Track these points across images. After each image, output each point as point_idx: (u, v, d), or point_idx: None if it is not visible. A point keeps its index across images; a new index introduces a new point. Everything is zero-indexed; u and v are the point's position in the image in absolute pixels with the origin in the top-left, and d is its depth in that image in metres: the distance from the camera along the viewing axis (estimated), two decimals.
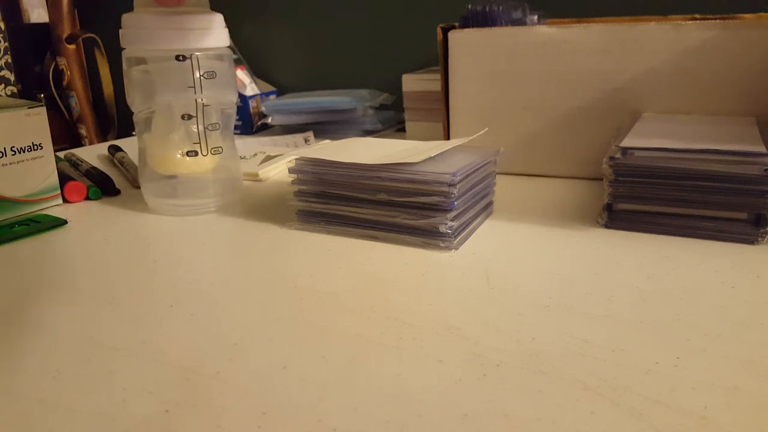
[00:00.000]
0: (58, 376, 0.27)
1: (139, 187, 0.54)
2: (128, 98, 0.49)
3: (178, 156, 0.49)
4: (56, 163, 0.54)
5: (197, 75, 0.47)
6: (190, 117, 0.48)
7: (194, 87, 0.47)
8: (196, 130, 0.48)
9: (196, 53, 0.47)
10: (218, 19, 0.48)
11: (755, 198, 0.39)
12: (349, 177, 0.42)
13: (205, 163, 0.50)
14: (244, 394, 0.26)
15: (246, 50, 1.02)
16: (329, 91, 0.88)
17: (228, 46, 0.49)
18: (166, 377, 0.27)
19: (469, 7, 0.59)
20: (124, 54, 0.48)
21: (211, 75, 0.48)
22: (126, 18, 0.47)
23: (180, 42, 0.46)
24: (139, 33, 0.46)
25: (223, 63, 0.49)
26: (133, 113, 0.50)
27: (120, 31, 0.47)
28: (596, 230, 0.43)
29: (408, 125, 0.75)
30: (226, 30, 0.48)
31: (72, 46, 1.14)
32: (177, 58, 0.46)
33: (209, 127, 0.49)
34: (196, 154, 0.49)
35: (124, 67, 0.48)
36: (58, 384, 0.27)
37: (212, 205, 0.51)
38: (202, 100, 0.48)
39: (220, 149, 0.50)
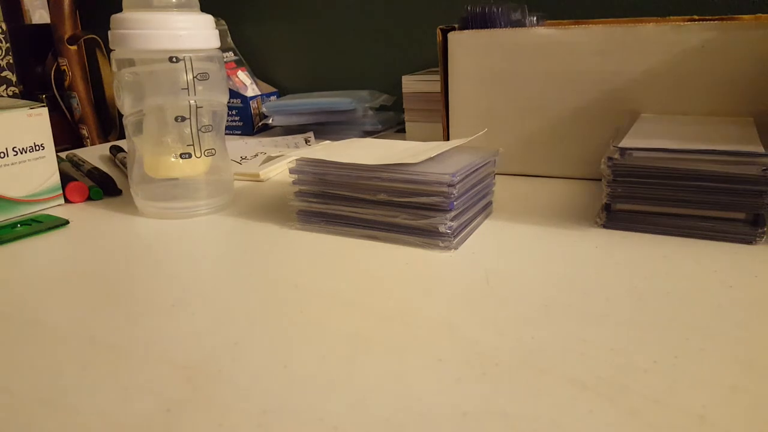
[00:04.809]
0: (59, 376, 0.28)
1: None
2: (118, 101, 0.48)
3: (172, 159, 0.49)
4: (58, 163, 0.54)
5: (190, 76, 0.47)
6: (183, 119, 0.48)
7: (188, 89, 0.47)
8: (189, 132, 0.48)
9: (189, 55, 0.47)
10: (208, 20, 0.48)
11: (753, 198, 0.39)
12: (350, 177, 0.43)
13: (198, 165, 0.50)
14: (245, 393, 0.26)
15: (247, 51, 1.02)
16: (330, 92, 0.88)
17: (219, 47, 0.49)
18: (167, 377, 0.27)
19: (469, 8, 0.59)
20: (114, 56, 0.47)
21: (204, 76, 0.48)
22: (115, 19, 0.46)
23: (172, 43, 0.46)
24: (130, 34, 0.45)
25: (214, 64, 0.49)
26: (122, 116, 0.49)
27: (109, 32, 0.47)
28: (595, 230, 0.43)
29: (408, 126, 0.76)
30: (216, 31, 0.48)
31: (73, 47, 1.14)
32: (170, 59, 0.46)
33: (202, 129, 0.49)
34: (190, 156, 0.49)
35: (114, 69, 0.48)
36: (60, 383, 0.27)
37: (204, 208, 0.50)
38: (195, 101, 0.48)
39: (213, 151, 0.50)
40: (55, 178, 0.54)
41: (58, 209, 0.54)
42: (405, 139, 0.64)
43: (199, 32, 0.47)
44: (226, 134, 0.54)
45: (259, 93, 0.92)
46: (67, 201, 0.55)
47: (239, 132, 0.90)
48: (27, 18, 1.19)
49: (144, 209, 0.51)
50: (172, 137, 0.49)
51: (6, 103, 0.53)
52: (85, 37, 1.14)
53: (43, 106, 0.52)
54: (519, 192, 0.54)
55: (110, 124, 1.20)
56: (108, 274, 0.39)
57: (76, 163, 0.64)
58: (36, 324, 0.33)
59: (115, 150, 0.72)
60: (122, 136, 1.18)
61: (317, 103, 0.81)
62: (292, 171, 0.45)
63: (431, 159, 0.43)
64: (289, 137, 0.80)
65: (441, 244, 0.41)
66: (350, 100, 0.79)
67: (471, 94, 0.59)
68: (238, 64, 0.96)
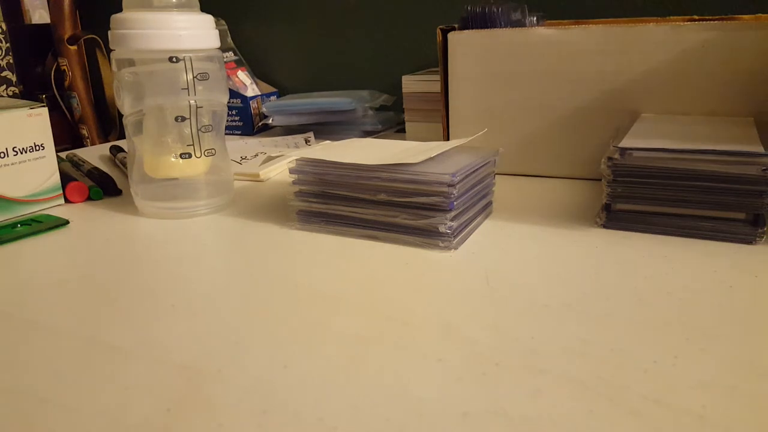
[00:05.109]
0: (59, 376, 0.28)
1: None
2: (118, 101, 0.48)
3: (172, 159, 0.49)
4: (58, 163, 0.54)
5: (190, 76, 0.47)
6: (183, 119, 0.48)
7: (188, 89, 0.47)
8: (189, 132, 0.48)
9: (189, 55, 0.47)
10: (208, 20, 0.48)
11: (753, 198, 0.39)
12: (350, 177, 0.43)
13: (198, 165, 0.50)
14: (245, 393, 0.26)
15: (247, 51, 1.02)
16: (329, 92, 0.88)
17: (220, 48, 0.49)
18: (167, 376, 0.27)
19: (469, 8, 0.59)
20: (114, 56, 0.47)
21: (204, 76, 0.48)
22: (115, 19, 0.46)
23: (172, 43, 0.46)
24: (130, 34, 0.45)
25: (214, 64, 0.49)
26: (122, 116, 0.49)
27: (109, 32, 0.47)
28: (595, 230, 0.43)
29: (408, 126, 0.76)
30: (216, 31, 0.48)
31: (73, 47, 1.15)
32: (170, 59, 0.46)
33: (202, 129, 0.49)
34: (190, 156, 0.49)
35: (114, 68, 0.48)
36: (60, 384, 0.27)
37: (204, 208, 0.50)
38: (195, 101, 0.48)
39: (213, 151, 0.50)
40: (55, 178, 0.54)
41: (58, 209, 0.54)
42: (405, 139, 0.64)
43: (199, 32, 0.47)
44: (226, 134, 0.54)
45: (259, 93, 0.92)
46: (67, 201, 0.55)
47: (239, 132, 0.90)
48: (27, 18, 1.19)
49: (144, 209, 0.51)
50: (172, 137, 0.49)
51: (6, 103, 0.53)
52: (85, 37, 1.14)
53: (43, 106, 0.52)
54: (519, 192, 0.54)
55: (110, 124, 1.21)
56: (108, 274, 0.39)
57: (76, 163, 0.64)
58: (36, 324, 0.33)
59: (115, 150, 0.72)
60: (122, 136, 1.18)
61: (317, 103, 0.81)
62: (292, 171, 0.45)
63: (431, 159, 0.43)
64: (289, 137, 0.80)
65: (441, 244, 0.41)
66: (350, 100, 0.79)
67: (471, 94, 0.59)
68: (238, 64, 0.96)
